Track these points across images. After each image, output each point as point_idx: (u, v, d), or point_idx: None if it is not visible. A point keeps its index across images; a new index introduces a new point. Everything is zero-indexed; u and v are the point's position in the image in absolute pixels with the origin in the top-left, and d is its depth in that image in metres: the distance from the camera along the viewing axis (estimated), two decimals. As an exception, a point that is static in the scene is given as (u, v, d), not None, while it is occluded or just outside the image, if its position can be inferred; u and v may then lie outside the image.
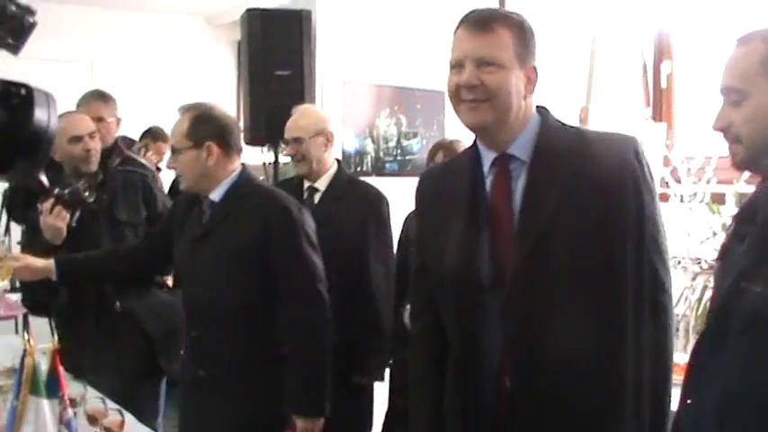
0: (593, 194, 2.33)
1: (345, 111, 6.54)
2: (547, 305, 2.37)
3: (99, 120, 4.49)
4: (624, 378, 2.36)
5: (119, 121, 4.77)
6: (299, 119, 4.39)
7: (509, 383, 2.42)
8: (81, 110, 4.52)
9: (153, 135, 6.77)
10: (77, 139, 4.16)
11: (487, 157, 2.50)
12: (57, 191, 3.93)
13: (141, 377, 4.26)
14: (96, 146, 4.24)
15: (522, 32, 2.42)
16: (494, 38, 2.39)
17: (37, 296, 4.13)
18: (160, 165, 6.45)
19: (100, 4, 8.48)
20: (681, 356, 2.63)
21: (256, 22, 6.13)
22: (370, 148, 6.64)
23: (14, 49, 1.65)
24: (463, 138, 5.08)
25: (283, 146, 4.54)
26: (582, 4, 6.20)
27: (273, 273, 3.42)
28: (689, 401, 2.13)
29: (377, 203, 4.40)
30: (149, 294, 4.29)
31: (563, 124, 2.54)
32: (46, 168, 3.64)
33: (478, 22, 2.41)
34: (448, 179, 2.62)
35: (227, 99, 9.31)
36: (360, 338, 4.15)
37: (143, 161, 4.81)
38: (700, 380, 2.11)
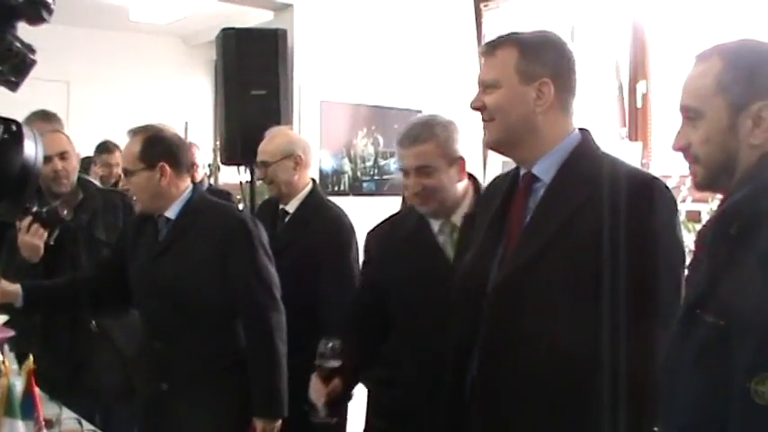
0: (593, 226, 2.32)
1: (323, 130, 6.55)
2: (522, 316, 2.40)
3: None
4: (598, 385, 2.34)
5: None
6: (268, 143, 4.41)
7: (475, 375, 2.50)
8: None
9: (100, 149, 6.69)
10: (47, 159, 4.05)
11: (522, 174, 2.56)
12: (35, 209, 3.92)
13: (117, 398, 4.22)
14: (67, 166, 4.21)
15: (526, 49, 2.45)
16: (494, 60, 2.48)
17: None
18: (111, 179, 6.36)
19: (77, 23, 8.45)
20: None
21: (231, 41, 6.13)
22: (347, 167, 6.66)
23: (14, 86, 1.65)
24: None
25: (255, 167, 4.59)
26: (557, 23, 6.23)
27: (231, 283, 3.51)
28: (655, 429, 2.13)
29: (335, 230, 4.34)
30: (127, 314, 4.27)
31: (599, 150, 2.53)
32: (50, 194, 3.63)
33: (484, 50, 2.54)
34: (496, 191, 2.69)
35: (203, 119, 9.31)
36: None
37: (89, 178, 4.79)
38: (662, 405, 2.10)
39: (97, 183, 5.14)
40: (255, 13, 7.14)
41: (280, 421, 3.52)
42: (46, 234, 3.95)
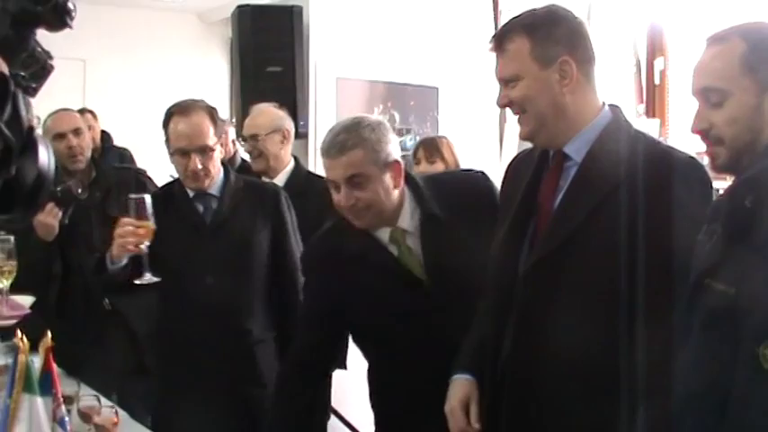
0: (626, 209, 2.27)
1: (338, 107, 6.54)
2: (551, 308, 2.37)
3: None
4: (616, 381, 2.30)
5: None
6: (256, 117, 4.50)
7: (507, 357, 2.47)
8: None
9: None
10: (61, 136, 4.17)
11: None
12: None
13: (131, 375, 4.26)
14: (81, 142, 4.25)
15: (535, 33, 2.37)
16: (506, 54, 2.41)
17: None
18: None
19: (93, 0, 8.45)
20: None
21: (247, 18, 6.14)
22: (362, 144, 6.64)
23: (33, 92, 1.66)
24: (455, 134, 5.10)
25: (242, 142, 4.59)
26: (574, 0, 6.21)
27: (277, 257, 3.60)
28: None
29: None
30: (138, 293, 4.28)
31: (632, 129, 2.46)
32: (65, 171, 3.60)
33: (493, 46, 2.45)
34: (520, 170, 2.62)
35: (219, 96, 9.29)
36: None
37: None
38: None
39: None
40: (271, -11, 7.13)
41: None
42: (60, 213, 3.97)
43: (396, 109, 6.88)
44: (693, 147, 4.67)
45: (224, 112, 8.85)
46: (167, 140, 3.51)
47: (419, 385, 2.80)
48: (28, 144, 1.53)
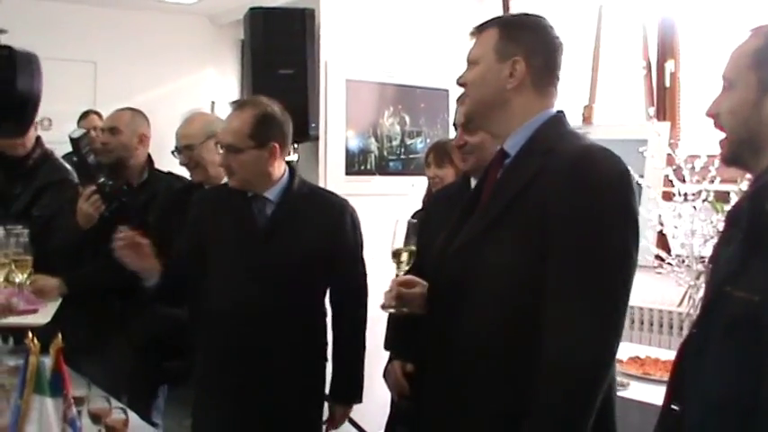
0: (541, 197, 2.33)
1: (349, 109, 6.54)
2: (473, 279, 2.45)
3: None
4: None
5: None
6: (188, 126, 4.34)
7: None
8: None
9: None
10: (101, 131, 4.52)
11: None
12: (101, 180, 4.12)
13: (138, 375, 4.34)
14: (114, 140, 4.46)
15: (505, 29, 2.53)
16: (478, 40, 2.60)
17: None
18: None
19: (103, 3, 8.47)
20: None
21: (259, 20, 6.14)
22: (373, 146, 6.65)
23: None
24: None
25: (176, 154, 4.38)
26: (585, 2, 6.20)
27: (335, 271, 3.60)
28: (673, 407, 2.12)
29: None
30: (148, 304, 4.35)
31: (568, 130, 2.54)
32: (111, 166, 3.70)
33: (472, 31, 2.64)
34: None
35: (230, 98, 9.32)
36: None
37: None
38: (683, 384, 2.09)
39: None
40: (282, -9, 7.14)
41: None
42: (102, 206, 4.14)
43: (406, 111, 6.88)
44: (704, 149, 4.68)
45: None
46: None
47: None
48: (7, 60, 1.57)
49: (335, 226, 3.57)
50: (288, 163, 3.66)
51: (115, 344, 4.25)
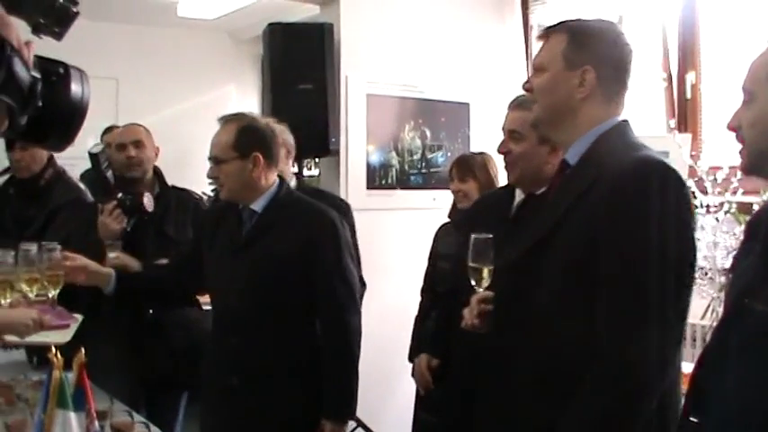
0: (592, 210, 2.34)
1: (369, 124, 6.55)
2: (525, 296, 2.50)
3: (22, 148, 4.61)
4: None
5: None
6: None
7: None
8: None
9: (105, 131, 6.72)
10: (122, 146, 4.41)
11: None
12: (120, 195, 4.17)
13: (162, 386, 4.41)
14: (140, 154, 4.45)
15: (574, 36, 2.53)
16: (545, 45, 2.60)
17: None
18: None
19: (125, 20, 8.54)
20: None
21: (278, 36, 6.16)
22: (394, 161, 6.65)
23: (58, 36, 1.76)
24: (486, 150, 5.10)
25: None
26: (605, 11, 6.20)
27: (315, 282, 3.55)
28: (692, 419, 2.10)
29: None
30: (178, 308, 4.39)
31: (628, 140, 2.52)
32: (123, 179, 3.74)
33: (539, 35, 2.66)
34: None
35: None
36: None
37: None
38: (702, 396, 2.07)
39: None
40: (302, 7, 7.15)
41: (348, 423, 3.61)
42: (125, 221, 4.18)
43: (427, 125, 6.88)
44: (726, 161, 4.66)
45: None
46: None
47: None
48: (58, 79, 1.62)
49: (311, 237, 3.56)
50: (279, 175, 3.73)
51: (148, 350, 4.26)
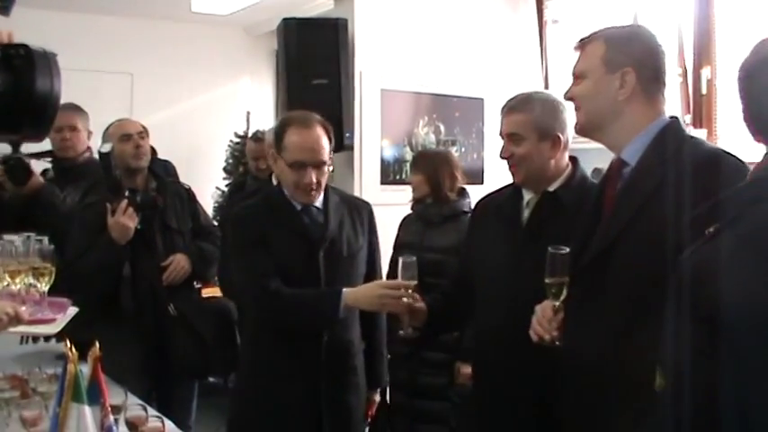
0: (664, 208, 2.34)
1: (384, 119, 6.56)
2: (591, 310, 2.48)
3: (72, 129, 4.83)
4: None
5: (90, 133, 5.00)
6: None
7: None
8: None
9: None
10: (127, 137, 4.37)
11: None
12: (128, 194, 4.19)
13: (193, 377, 4.53)
14: (145, 145, 4.43)
15: (612, 41, 2.61)
16: (583, 53, 2.67)
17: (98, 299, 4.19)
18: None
19: (139, 14, 8.56)
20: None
21: (293, 31, 6.17)
22: (408, 156, 6.65)
23: (5, 11, 1.73)
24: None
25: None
26: (620, 7, 6.19)
27: (368, 268, 3.72)
28: None
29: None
30: (195, 299, 4.43)
31: (687, 136, 2.59)
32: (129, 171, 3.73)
33: (577, 45, 2.72)
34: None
35: (265, 109, 9.38)
36: None
37: None
38: None
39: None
40: (316, 2, 7.17)
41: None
42: (137, 218, 4.17)
43: (441, 120, 6.89)
44: (743, 156, 4.64)
45: (269, 124, 8.96)
46: (282, 150, 3.51)
47: None
48: (22, 62, 1.59)
49: (370, 227, 3.75)
50: None
51: (176, 344, 4.33)
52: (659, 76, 2.63)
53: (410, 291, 3.27)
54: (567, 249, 2.64)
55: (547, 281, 2.67)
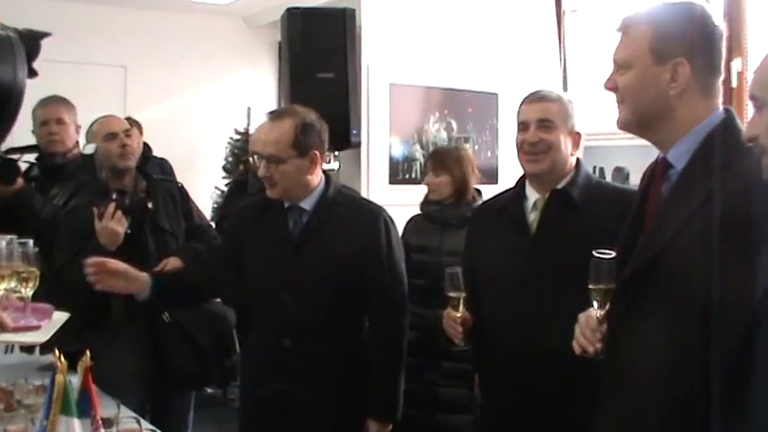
0: (712, 223, 2.19)
1: (392, 115, 6.54)
2: (635, 324, 2.39)
3: (59, 122, 4.79)
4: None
5: (78, 127, 4.93)
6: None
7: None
8: (41, 110, 4.81)
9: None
10: (113, 135, 4.30)
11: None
12: (115, 197, 4.13)
13: (192, 385, 4.51)
14: (132, 143, 4.39)
15: (660, 26, 2.39)
16: (627, 38, 2.45)
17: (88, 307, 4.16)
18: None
19: (133, 4, 8.54)
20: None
21: (297, 21, 6.15)
22: (418, 154, 6.64)
23: None
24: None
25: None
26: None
27: (368, 280, 3.59)
28: None
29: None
30: (196, 306, 4.42)
31: (738, 137, 2.28)
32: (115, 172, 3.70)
33: (619, 26, 2.50)
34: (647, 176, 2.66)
35: (266, 103, 9.36)
36: None
37: None
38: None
39: None
40: (321, -9, 7.17)
41: (391, 425, 3.66)
42: (126, 222, 4.11)
43: (453, 116, 6.87)
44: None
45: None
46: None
47: None
48: None
49: (367, 235, 3.61)
50: (324, 171, 3.72)
51: (170, 352, 4.30)
52: (715, 63, 2.41)
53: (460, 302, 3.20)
54: (614, 254, 2.52)
55: (591, 287, 2.57)
